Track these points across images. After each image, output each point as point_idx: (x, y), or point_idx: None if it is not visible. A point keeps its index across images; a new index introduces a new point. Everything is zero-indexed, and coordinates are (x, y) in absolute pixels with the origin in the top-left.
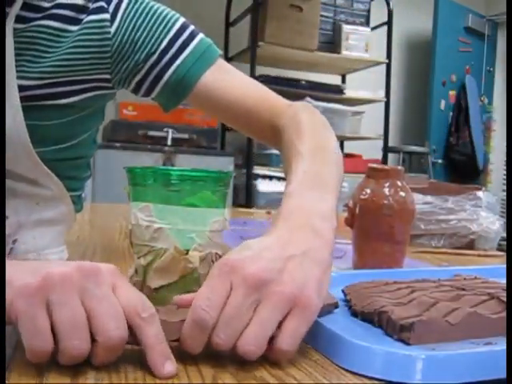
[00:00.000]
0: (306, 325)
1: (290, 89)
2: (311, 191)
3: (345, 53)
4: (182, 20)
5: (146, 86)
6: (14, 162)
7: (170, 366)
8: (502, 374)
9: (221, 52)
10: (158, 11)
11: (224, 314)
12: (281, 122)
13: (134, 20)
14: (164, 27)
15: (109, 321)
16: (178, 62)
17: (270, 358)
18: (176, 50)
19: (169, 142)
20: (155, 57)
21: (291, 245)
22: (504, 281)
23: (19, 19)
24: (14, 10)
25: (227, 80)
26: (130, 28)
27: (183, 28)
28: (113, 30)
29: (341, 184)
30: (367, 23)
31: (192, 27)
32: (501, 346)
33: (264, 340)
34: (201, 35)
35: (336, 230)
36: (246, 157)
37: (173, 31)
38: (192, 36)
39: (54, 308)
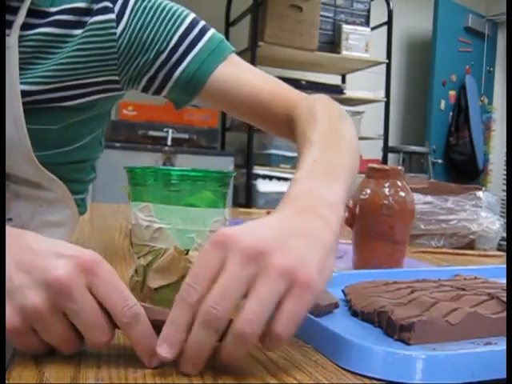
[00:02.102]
0: (306, 307)
1: None
2: (319, 180)
3: (345, 53)
4: (191, 16)
5: (157, 85)
6: (16, 168)
7: (155, 361)
8: (502, 374)
9: (233, 48)
10: (167, 8)
11: (217, 285)
12: (296, 114)
13: (142, 18)
14: (173, 24)
15: (92, 332)
16: (188, 59)
17: (263, 345)
18: (186, 47)
19: (169, 142)
20: (165, 55)
21: (294, 225)
22: (504, 281)
23: (24, 26)
24: (20, 19)
25: (240, 75)
26: (138, 27)
27: (193, 24)
28: (119, 30)
29: (354, 174)
30: (367, 23)
31: (202, 23)
32: (501, 346)
33: (263, 319)
34: (212, 31)
35: (342, 221)
36: (246, 157)
37: (182, 28)
38: (203, 32)
39: (41, 334)
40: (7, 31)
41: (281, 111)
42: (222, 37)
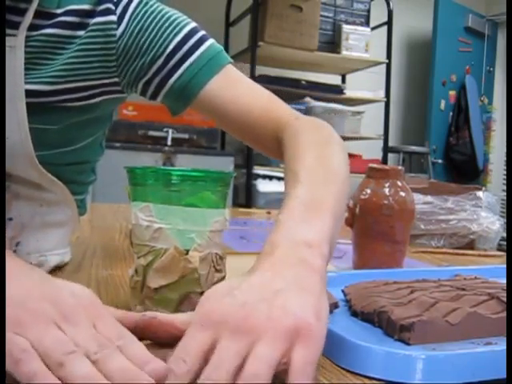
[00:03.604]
0: (314, 353)
1: (290, 89)
2: (300, 220)
3: (345, 53)
4: (192, 25)
5: (152, 90)
6: (18, 169)
7: None
8: (502, 374)
9: (231, 60)
10: (167, 15)
11: (212, 359)
12: (284, 138)
13: (142, 22)
14: (172, 31)
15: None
16: (183, 66)
17: None
18: (183, 55)
19: (169, 142)
20: (161, 60)
21: (276, 280)
22: (504, 281)
23: (29, 27)
24: (27, 20)
25: (233, 89)
26: (137, 30)
27: (192, 33)
28: (119, 32)
29: (342, 203)
30: (367, 23)
31: (202, 33)
32: (501, 346)
33: (266, 374)
34: (211, 41)
35: (328, 257)
36: (246, 157)
37: (181, 35)
38: (201, 41)
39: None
40: (14, 32)
41: (269, 133)
42: (221, 47)
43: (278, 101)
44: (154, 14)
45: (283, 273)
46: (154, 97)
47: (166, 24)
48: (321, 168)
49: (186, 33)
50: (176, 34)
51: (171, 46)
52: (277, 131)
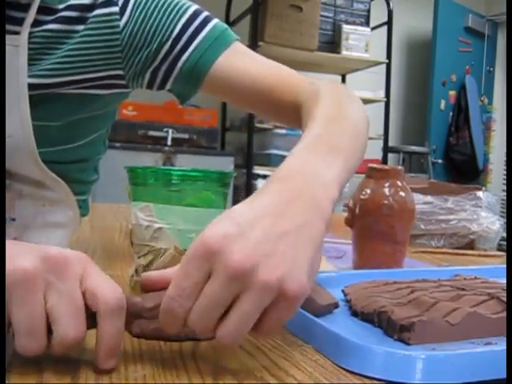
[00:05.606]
0: (291, 314)
1: None
2: (318, 155)
3: (345, 53)
4: (194, 7)
5: (161, 77)
6: (20, 167)
7: (110, 363)
8: (502, 374)
9: (237, 37)
10: (169, 0)
11: (198, 303)
12: (301, 99)
13: (145, 10)
14: (176, 14)
15: (66, 321)
16: (191, 48)
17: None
18: (189, 37)
19: (169, 142)
20: (168, 45)
21: (286, 217)
22: (504, 281)
23: (32, 23)
24: (31, 16)
25: (243, 63)
26: (141, 19)
27: (196, 14)
28: (122, 22)
29: (356, 156)
30: (367, 23)
31: (206, 13)
32: (501, 346)
33: (244, 331)
34: (215, 21)
35: (335, 202)
36: (246, 157)
37: (185, 18)
38: (205, 22)
39: (12, 308)
40: (18, 28)
41: (285, 99)
42: (226, 26)
43: (290, 70)
44: (157, 1)
45: (294, 211)
46: (162, 85)
47: (170, 9)
48: (337, 115)
49: (189, 15)
50: (180, 17)
51: (177, 30)
52: (292, 97)
